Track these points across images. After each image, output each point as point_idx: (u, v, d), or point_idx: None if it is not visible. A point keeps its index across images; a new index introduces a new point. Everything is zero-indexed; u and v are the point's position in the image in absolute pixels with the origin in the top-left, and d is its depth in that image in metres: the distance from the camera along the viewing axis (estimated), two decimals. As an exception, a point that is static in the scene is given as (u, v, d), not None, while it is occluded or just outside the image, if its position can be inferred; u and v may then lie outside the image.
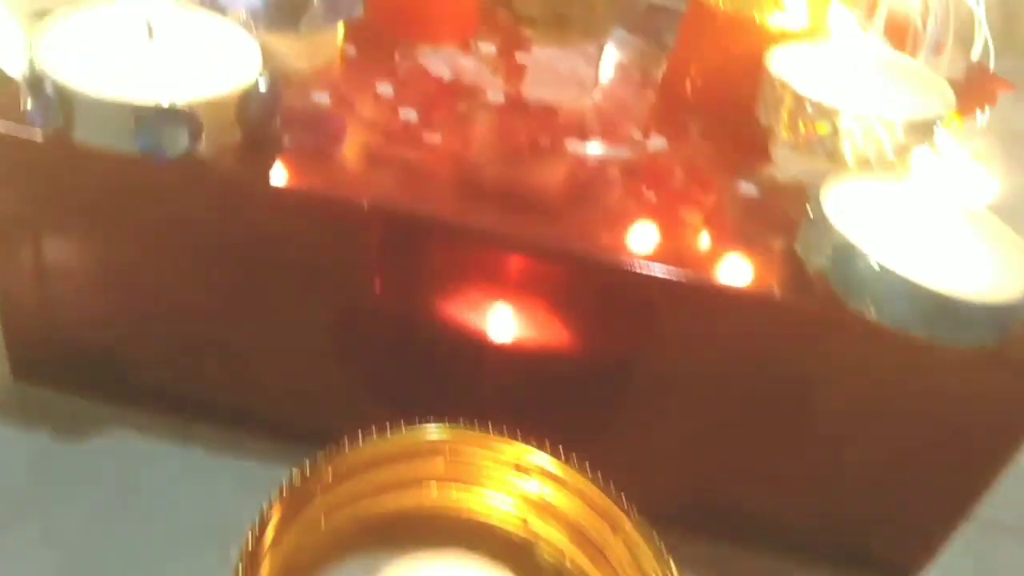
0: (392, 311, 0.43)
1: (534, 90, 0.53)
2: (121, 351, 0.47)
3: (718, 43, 0.53)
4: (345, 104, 0.47)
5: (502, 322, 0.43)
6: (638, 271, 0.41)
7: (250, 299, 0.44)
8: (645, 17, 0.65)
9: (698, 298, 0.41)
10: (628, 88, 0.55)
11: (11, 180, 0.41)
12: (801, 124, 0.46)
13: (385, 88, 0.49)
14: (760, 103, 0.49)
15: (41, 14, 0.60)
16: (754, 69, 0.51)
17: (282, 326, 0.44)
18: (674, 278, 0.41)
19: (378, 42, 0.53)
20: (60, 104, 0.37)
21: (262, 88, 0.41)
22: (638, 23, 0.64)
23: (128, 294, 0.44)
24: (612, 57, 0.58)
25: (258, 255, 0.42)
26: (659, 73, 0.57)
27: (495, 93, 0.51)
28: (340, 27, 0.51)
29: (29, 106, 0.38)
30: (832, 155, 0.46)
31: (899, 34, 0.58)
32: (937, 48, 0.69)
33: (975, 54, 0.65)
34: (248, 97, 0.40)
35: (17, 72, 0.41)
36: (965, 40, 0.66)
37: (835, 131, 0.45)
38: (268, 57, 0.43)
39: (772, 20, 0.50)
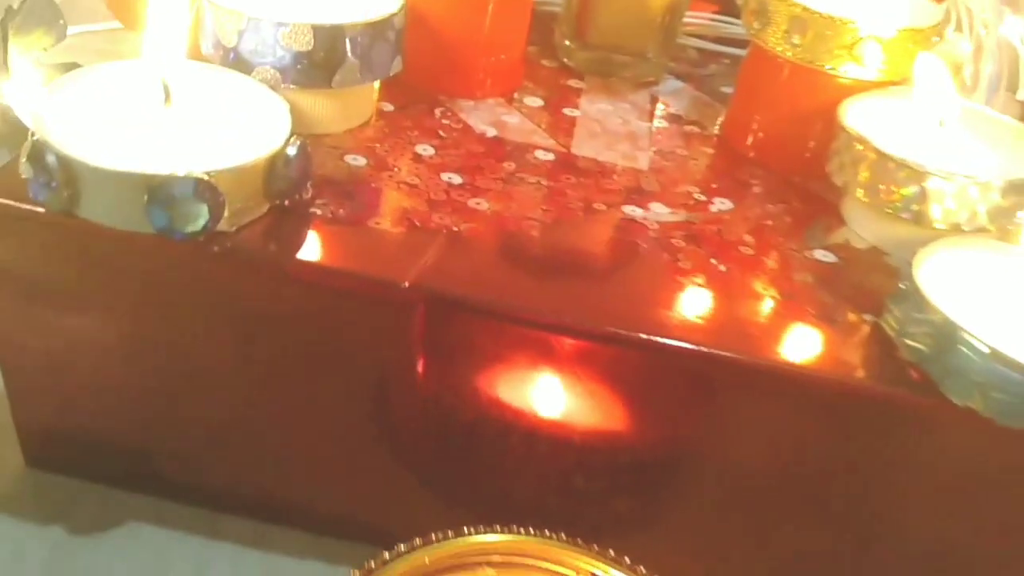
0: (434, 396, 0.39)
1: (584, 147, 0.49)
2: (141, 437, 0.43)
3: (784, 94, 0.49)
4: (383, 167, 0.44)
5: (553, 407, 0.39)
6: (703, 350, 0.36)
7: (278, 384, 0.40)
8: (697, 64, 0.61)
9: (771, 381, 0.37)
10: (684, 143, 0.51)
11: (14, 258, 0.38)
12: (882, 185, 0.42)
13: (425, 148, 0.46)
14: (833, 161, 0.45)
15: (68, 67, 0.57)
16: (825, 122, 0.47)
17: (314, 413, 0.40)
18: (743, 358, 0.36)
19: (416, 97, 0.50)
20: (63, 176, 0.34)
21: (291, 153, 0.37)
22: (690, 71, 0.60)
23: (146, 378, 0.41)
24: (665, 109, 0.55)
25: (287, 337, 0.38)
26: (716, 126, 0.53)
27: (543, 151, 0.48)
28: (376, 82, 0.47)
29: (29, 178, 0.35)
30: (918, 219, 0.41)
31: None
32: (995, 91, 0.65)
33: (1020, 95, 0.61)
34: (276, 164, 0.37)
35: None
36: (1010, 83, 0.62)
37: (922, 193, 0.41)
38: (297, 118, 0.39)
39: (846, 70, 0.46)
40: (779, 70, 0.49)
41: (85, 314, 0.39)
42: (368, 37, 0.42)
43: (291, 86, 0.42)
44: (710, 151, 0.51)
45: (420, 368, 0.38)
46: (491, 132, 0.48)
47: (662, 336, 0.36)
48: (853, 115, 0.45)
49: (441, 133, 0.47)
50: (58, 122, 0.36)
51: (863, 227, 0.44)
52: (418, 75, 0.50)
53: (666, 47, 0.56)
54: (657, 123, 0.53)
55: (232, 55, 0.42)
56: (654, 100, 0.55)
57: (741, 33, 0.63)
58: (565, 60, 0.57)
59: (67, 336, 0.40)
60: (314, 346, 0.38)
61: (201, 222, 0.35)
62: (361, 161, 0.44)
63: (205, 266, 0.37)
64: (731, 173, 0.49)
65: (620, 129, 0.51)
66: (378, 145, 0.45)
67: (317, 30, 0.41)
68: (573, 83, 0.55)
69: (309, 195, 0.39)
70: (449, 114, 0.49)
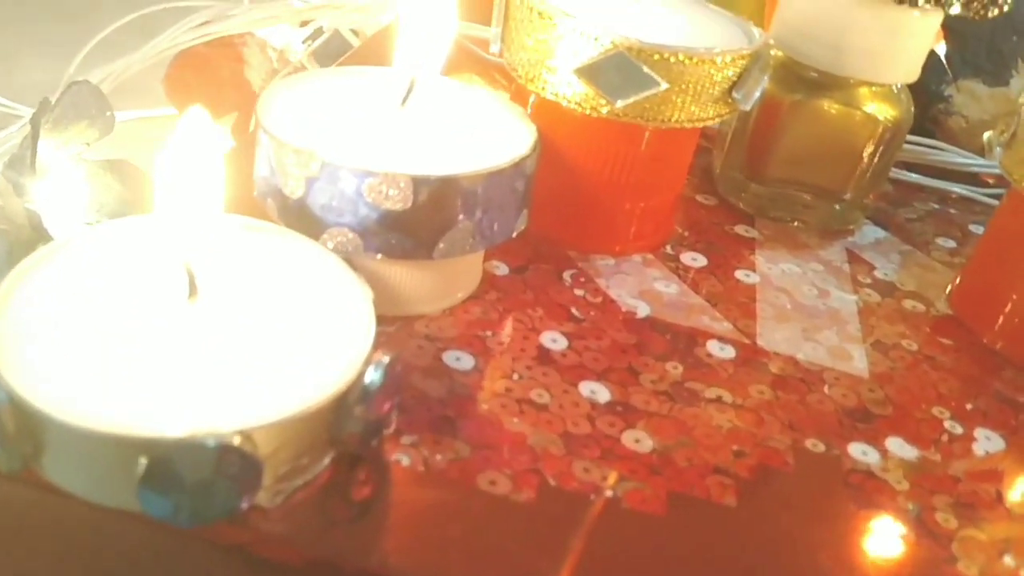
0: None
1: (775, 335, 0.35)
2: None
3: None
4: (497, 372, 0.30)
5: None
6: None
7: None
8: (895, 201, 0.47)
9: None
10: (909, 328, 0.37)
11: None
12: None
13: (555, 339, 0.32)
14: None
15: (114, 165, 0.46)
16: None
17: None
18: None
19: (537, 252, 0.37)
20: (17, 426, 0.21)
21: (372, 383, 0.24)
22: (888, 211, 0.46)
23: None
24: (871, 272, 0.40)
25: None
26: (944, 299, 0.39)
27: (719, 343, 0.34)
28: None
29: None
30: None
31: None
32: None
33: None
34: (348, 401, 0.24)
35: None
36: None
37: None
38: (381, 294, 0.26)
39: None
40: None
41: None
42: (489, 191, 0.29)
43: (375, 255, 0.29)
44: (946, 342, 0.36)
45: None
46: (643, 310, 0.35)
47: None
48: None
49: (575, 312, 0.34)
50: (13, 338, 0.23)
51: None
52: (539, 221, 0.37)
53: (872, 187, 0.42)
54: (865, 294, 0.39)
55: (296, 209, 0.29)
56: (852, 257, 0.41)
57: (950, 162, 0.49)
58: (729, 197, 0.44)
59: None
60: None
61: (224, 507, 0.21)
62: (467, 362, 0.30)
63: (219, 559, 0.24)
64: (985, 381, 0.35)
65: (817, 305, 0.37)
66: (490, 334, 0.32)
67: (419, 183, 0.28)
68: (742, 230, 0.42)
69: (393, 428, 0.26)
70: (583, 279, 0.36)
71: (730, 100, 0.35)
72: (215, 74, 0.62)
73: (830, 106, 0.40)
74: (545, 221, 0.37)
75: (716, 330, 0.34)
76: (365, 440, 0.24)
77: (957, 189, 0.48)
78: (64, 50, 0.52)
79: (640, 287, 0.36)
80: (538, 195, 0.36)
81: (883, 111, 0.40)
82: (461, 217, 0.29)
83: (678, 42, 0.34)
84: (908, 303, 0.39)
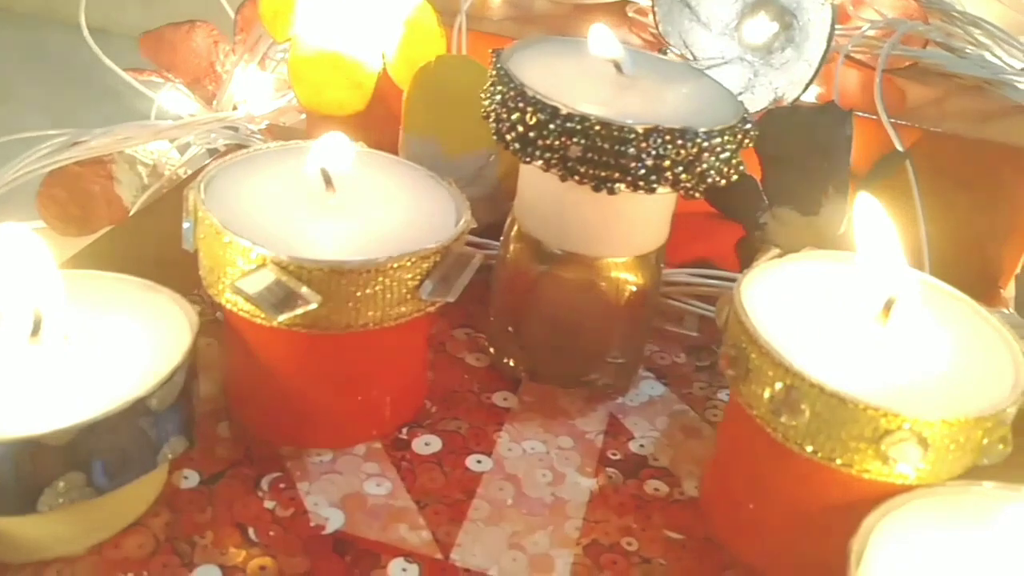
0: None
1: (475, 546, 0.32)
2: None
3: (770, 476, 0.32)
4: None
5: None
6: None
7: None
8: (692, 344, 0.45)
9: None
10: (638, 521, 0.34)
11: None
12: None
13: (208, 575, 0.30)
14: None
15: None
16: (837, 527, 0.29)
17: None
18: None
19: (247, 457, 0.35)
20: None
21: None
22: (680, 367, 0.43)
23: None
24: (627, 444, 0.38)
25: None
26: (698, 482, 0.36)
27: (405, 562, 0.31)
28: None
29: None
30: None
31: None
32: None
33: None
34: None
35: None
36: None
37: None
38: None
39: (867, 470, 0.29)
40: (763, 442, 0.31)
41: None
42: (96, 440, 0.27)
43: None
44: (675, 537, 0.34)
45: None
46: (335, 522, 0.33)
47: None
48: (885, 539, 0.27)
49: (251, 534, 0.32)
50: None
51: None
52: (251, 418, 0.35)
53: (634, 347, 0.40)
54: (607, 476, 0.36)
55: None
56: (613, 425, 0.39)
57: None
58: (498, 357, 0.41)
59: None
60: None
61: None
62: (90, 618, 0.28)
63: None
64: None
65: (544, 496, 0.35)
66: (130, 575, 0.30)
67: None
68: (500, 399, 0.39)
69: None
70: (283, 486, 0.34)
71: (422, 299, 0.33)
72: (86, 191, 0.62)
73: (574, 276, 0.37)
74: (257, 418, 0.35)
75: (407, 544, 0.32)
76: None
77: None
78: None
79: (346, 490, 0.34)
80: (247, 392, 0.35)
81: (628, 277, 0.37)
82: (65, 471, 0.27)
83: (378, 238, 0.32)
84: (651, 485, 0.36)
